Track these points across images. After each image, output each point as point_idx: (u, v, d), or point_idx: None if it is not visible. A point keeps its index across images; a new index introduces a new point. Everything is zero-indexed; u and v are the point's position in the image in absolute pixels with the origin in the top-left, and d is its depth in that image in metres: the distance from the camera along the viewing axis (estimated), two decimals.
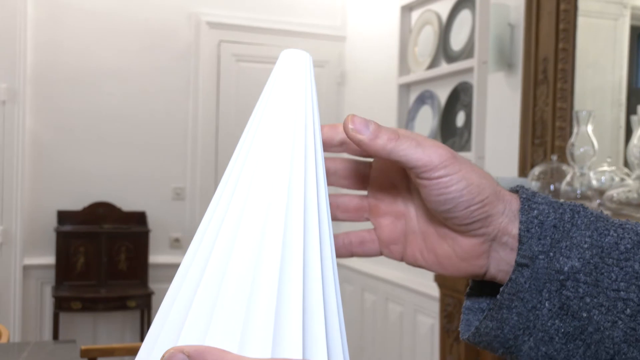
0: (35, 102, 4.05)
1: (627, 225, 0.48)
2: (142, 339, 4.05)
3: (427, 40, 3.59)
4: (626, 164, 2.26)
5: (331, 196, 0.51)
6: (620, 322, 0.45)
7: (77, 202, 4.12)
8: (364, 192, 0.55)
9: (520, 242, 0.48)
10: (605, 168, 2.13)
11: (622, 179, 2.09)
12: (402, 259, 0.54)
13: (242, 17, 4.39)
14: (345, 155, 0.52)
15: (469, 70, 3.18)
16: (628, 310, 0.45)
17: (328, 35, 4.56)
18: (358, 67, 4.44)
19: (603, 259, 0.46)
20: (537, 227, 0.48)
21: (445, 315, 2.64)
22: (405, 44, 3.76)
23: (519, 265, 0.48)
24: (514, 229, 0.49)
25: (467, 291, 0.54)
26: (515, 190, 0.51)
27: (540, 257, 0.47)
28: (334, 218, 0.51)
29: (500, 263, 0.50)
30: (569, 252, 0.47)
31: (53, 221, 4.07)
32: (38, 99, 4.06)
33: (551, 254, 0.47)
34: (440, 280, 2.68)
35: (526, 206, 0.48)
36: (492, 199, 0.48)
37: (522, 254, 0.48)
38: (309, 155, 0.42)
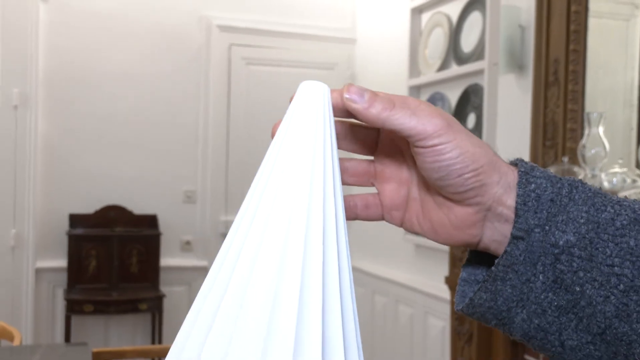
0: (47, 106, 4.07)
1: (625, 202, 0.48)
2: (153, 341, 4.06)
3: (437, 42, 3.59)
4: (638, 165, 2.25)
5: (341, 160, 0.51)
6: (612, 297, 0.46)
7: (88, 206, 4.14)
8: (371, 158, 0.55)
9: (516, 215, 0.48)
10: (617, 170, 2.12)
11: (634, 181, 2.08)
12: (401, 225, 0.54)
13: (252, 20, 4.40)
14: (354, 121, 0.53)
15: (480, 72, 3.17)
16: (621, 286, 0.45)
17: (338, 38, 4.56)
18: (368, 70, 4.44)
19: (598, 234, 0.46)
20: (534, 201, 0.48)
21: (457, 317, 2.64)
22: (415, 46, 3.76)
23: (514, 238, 0.48)
24: (509, 200, 0.49)
25: (464, 262, 0.54)
26: (515, 163, 0.51)
27: (536, 230, 0.48)
28: (342, 182, 0.50)
29: (494, 233, 0.50)
30: (564, 226, 0.47)
31: (65, 224, 4.09)
32: (50, 102, 4.08)
33: (547, 227, 0.48)
34: (451, 281, 2.68)
35: (524, 179, 0.48)
36: (487, 168, 0.48)
37: (518, 227, 0.48)
38: (327, 176, 0.45)
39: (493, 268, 0.49)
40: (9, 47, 3.85)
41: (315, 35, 4.52)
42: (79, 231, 4.03)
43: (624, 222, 0.47)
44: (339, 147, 0.50)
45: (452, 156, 0.47)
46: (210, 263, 4.34)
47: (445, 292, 3.17)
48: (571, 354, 0.49)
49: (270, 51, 4.47)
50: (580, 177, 2.16)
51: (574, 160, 2.31)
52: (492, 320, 0.51)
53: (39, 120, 4.01)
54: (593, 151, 2.16)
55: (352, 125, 0.53)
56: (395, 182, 0.54)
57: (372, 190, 0.56)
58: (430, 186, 0.51)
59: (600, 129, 2.17)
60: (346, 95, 0.48)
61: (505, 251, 0.48)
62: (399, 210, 0.54)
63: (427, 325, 3.53)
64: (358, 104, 0.47)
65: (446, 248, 3.21)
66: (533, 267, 0.48)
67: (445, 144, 0.47)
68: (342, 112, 0.49)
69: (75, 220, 4.09)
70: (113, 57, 4.19)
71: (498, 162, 0.49)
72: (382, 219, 0.54)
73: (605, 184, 2.07)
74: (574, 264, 0.47)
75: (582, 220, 0.47)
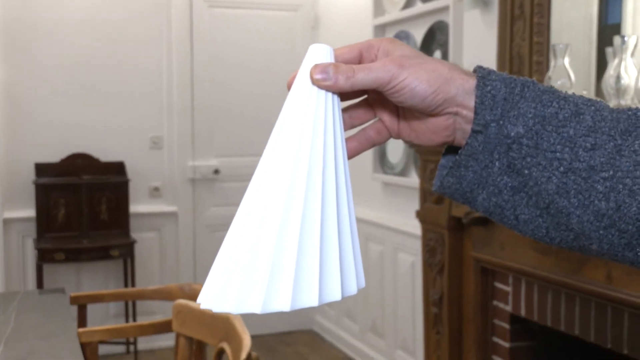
0: (6, 54, 3.97)
1: (570, 98, 0.57)
2: (126, 286, 4.07)
3: None
4: (597, 95, 2.29)
5: (347, 109, 0.65)
6: (554, 178, 0.55)
7: (54, 154, 4.09)
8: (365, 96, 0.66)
9: (475, 113, 0.57)
10: None
11: None
12: (398, 137, 0.65)
13: None
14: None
15: (445, 8, 3.17)
16: (561, 168, 0.55)
17: None
18: (332, 10, 4.40)
19: (544, 126, 0.55)
20: (489, 100, 0.57)
21: (428, 250, 2.70)
22: None
23: (474, 132, 0.57)
24: (471, 102, 0.57)
25: (443, 152, 0.64)
26: (475, 70, 0.59)
27: (492, 125, 0.57)
28: (352, 126, 0.65)
29: (464, 132, 0.59)
30: (515, 120, 0.56)
31: (31, 174, 4.04)
32: (9, 50, 3.98)
33: (501, 122, 0.57)
34: (422, 215, 2.73)
35: (481, 83, 0.57)
36: (443, 86, 0.57)
37: (477, 122, 0.57)
38: (328, 121, 0.57)
39: (456, 157, 0.59)
40: None
41: None
42: (45, 180, 3.98)
43: (566, 114, 0.55)
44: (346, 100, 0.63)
45: (410, 88, 0.56)
46: (179, 208, 4.35)
47: (414, 228, 3.23)
48: (524, 226, 0.59)
49: None
50: None
51: None
52: (459, 199, 0.62)
53: (0, 70, 3.92)
54: (559, 82, 2.20)
55: None
56: (388, 109, 0.65)
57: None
58: (408, 109, 0.62)
59: (566, 60, 2.20)
60: (315, 77, 0.57)
61: (467, 143, 0.58)
62: (395, 127, 0.65)
63: (397, 261, 3.60)
64: (327, 82, 0.57)
65: (414, 184, 3.26)
66: (490, 155, 0.58)
67: (402, 82, 0.56)
68: None
69: (41, 169, 4.03)
70: (73, 3, 4.09)
71: (454, 76, 0.58)
72: (390, 137, 0.66)
73: None
74: (523, 151, 0.56)
75: (530, 115, 0.56)
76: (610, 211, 0.53)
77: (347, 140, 0.62)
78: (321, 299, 0.54)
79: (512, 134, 0.56)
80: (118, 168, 4.18)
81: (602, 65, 2.31)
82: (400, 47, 0.59)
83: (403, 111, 0.63)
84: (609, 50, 2.17)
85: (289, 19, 4.53)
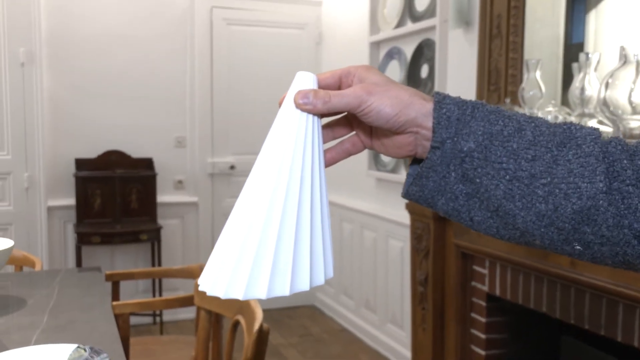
0: (51, 64, 3.96)
1: (514, 116, 0.58)
2: (153, 265, 4.07)
3: (394, 2, 3.56)
4: (563, 104, 2.29)
5: (328, 125, 0.67)
6: (501, 185, 0.56)
7: (92, 151, 4.08)
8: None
9: (433, 131, 0.58)
10: (551, 108, 2.16)
11: (565, 117, 2.12)
12: (371, 148, 0.66)
13: None
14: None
15: (432, 28, 3.16)
16: (507, 177, 0.56)
17: (307, 0, 4.50)
18: (334, 28, 4.39)
19: (491, 142, 0.57)
20: (445, 121, 0.58)
21: (415, 237, 2.69)
22: (375, 6, 3.72)
23: (432, 148, 0.59)
24: (429, 123, 0.59)
25: (410, 163, 0.66)
26: (432, 95, 0.61)
27: (448, 141, 0.58)
28: (334, 138, 0.67)
29: (424, 148, 0.61)
30: (467, 137, 0.57)
31: (72, 168, 4.04)
32: (53, 60, 3.97)
33: (455, 139, 0.58)
34: (411, 207, 2.72)
35: (437, 107, 0.58)
36: (404, 110, 0.58)
37: (435, 139, 0.58)
38: (308, 138, 0.59)
39: (419, 169, 0.61)
40: (13, 9, 3.72)
41: None
42: (84, 173, 3.98)
43: (510, 131, 0.57)
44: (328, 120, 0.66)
45: (376, 112, 0.58)
46: (200, 199, 4.35)
47: (403, 218, 3.22)
48: (478, 226, 0.60)
49: (248, 12, 4.39)
50: None
51: (514, 101, 2.34)
52: (423, 204, 0.63)
53: (44, 76, 3.91)
54: (531, 93, 2.19)
55: None
56: (363, 126, 0.66)
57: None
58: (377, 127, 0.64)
59: (538, 74, 2.19)
60: (299, 101, 0.59)
61: (427, 157, 0.60)
62: (369, 141, 0.66)
63: (388, 246, 3.60)
64: (307, 105, 0.59)
65: (403, 180, 3.25)
66: (447, 167, 0.59)
67: (369, 106, 0.58)
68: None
69: (81, 164, 4.03)
70: (109, 19, 4.08)
71: (412, 102, 0.59)
72: (364, 149, 0.68)
73: None
74: (474, 163, 0.57)
75: (479, 132, 0.57)
76: (549, 212, 0.54)
77: (326, 151, 0.65)
78: (292, 289, 0.57)
79: (465, 148, 0.57)
80: (147, 163, 4.17)
81: (567, 78, 2.30)
82: (373, 75, 0.60)
83: (374, 128, 0.65)
84: (574, 65, 2.16)
85: (296, 36, 4.52)
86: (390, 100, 0.58)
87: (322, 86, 0.61)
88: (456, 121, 0.58)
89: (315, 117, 0.60)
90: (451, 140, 0.58)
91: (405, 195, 0.64)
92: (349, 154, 0.67)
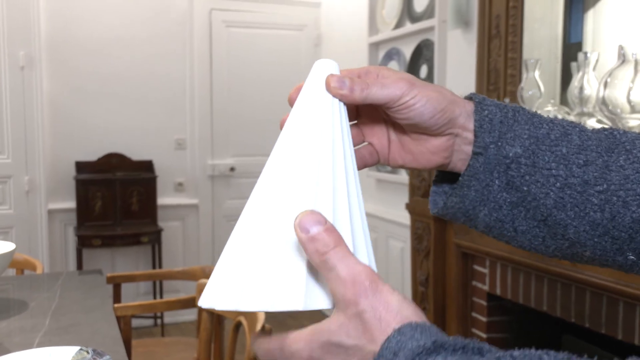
0: (50, 67, 3.97)
1: (556, 120, 0.55)
2: (154, 267, 4.08)
3: (393, 3, 3.56)
4: (562, 103, 2.29)
5: None
6: (551, 193, 0.52)
7: (92, 154, 4.09)
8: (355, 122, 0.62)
9: (475, 136, 0.54)
10: (550, 108, 2.16)
11: (564, 117, 2.12)
12: (387, 163, 0.60)
13: None
14: None
15: (431, 28, 3.17)
16: (557, 184, 0.52)
17: (306, 2, 4.50)
18: (332, 30, 4.39)
19: (538, 146, 0.53)
20: (487, 124, 0.54)
21: (416, 237, 2.69)
22: (374, 7, 3.73)
23: (475, 154, 0.54)
24: (470, 125, 0.54)
25: (434, 179, 0.61)
26: (469, 97, 0.56)
27: (491, 146, 0.54)
28: None
29: (461, 154, 0.56)
30: (512, 141, 0.53)
31: (72, 171, 4.04)
32: (53, 63, 3.97)
33: (499, 143, 0.54)
34: (411, 207, 2.73)
35: (479, 108, 0.54)
36: (449, 106, 0.53)
37: (477, 144, 0.54)
38: (336, 130, 0.50)
39: (460, 178, 0.55)
40: (13, 13, 3.72)
41: (286, 0, 4.45)
42: (84, 176, 3.98)
43: (557, 135, 0.53)
44: None
45: (421, 104, 0.52)
46: (200, 201, 4.35)
47: (403, 218, 3.23)
48: (522, 237, 0.55)
49: (247, 14, 4.39)
50: None
51: (513, 101, 2.35)
52: (461, 218, 0.58)
53: (44, 79, 3.91)
54: (530, 92, 2.19)
55: None
56: (378, 134, 0.59)
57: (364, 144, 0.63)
58: (406, 129, 0.57)
59: (536, 73, 2.20)
60: (332, 85, 0.51)
61: (469, 164, 0.55)
62: (384, 154, 0.60)
63: (388, 247, 3.60)
64: (343, 90, 0.51)
65: (403, 181, 3.25)
66: (490, 175, 0.54)
67: (413, 99, 0.52)
68: None
69: (81, 166, 4.03)
70: (108, 21, 4.08)
71: (456, 99, 0.54)
72: (379, 162, 0.61)
73: None
74: (522, 170, 0.53)
75: (525, 136, 0.53)
76: (605, 221, 0.51)
77: None
78: (306, 304, 0.45)
79: (511, 154, 0.53)
80: (147, 166, 4.18)
81: (566, 78, 2.31)
82: (399, 72, 0.55)
83: (397, 134, 0.58)
84: (573, 64, 2.17)
85: (295, 37, 4.52)
86: (435, 94, 0.53)
87: None
88: (499, 124, 0.54)
89: (344, 109, 0.52)
90: (495, 145, 0.53)
91: (442, 209, 0.58)
92: (365, 164, 0.60)
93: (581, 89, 2.02)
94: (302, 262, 0.46)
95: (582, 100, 2.02)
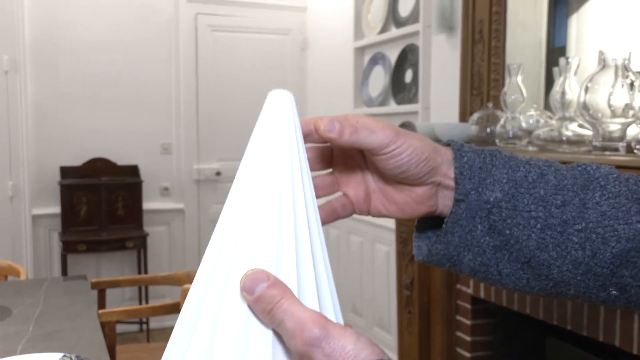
0: (35, 71, 3.95)
1: (532, 161, 0.55)
2: (139, 273, 4.06)
3: (378, 7, 3.58)
4: (545, 108, 2.32)
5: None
6: (533, 235, 0.52)
7: (77, 159, 4.07)
8: (330, 170, 0.60)
9: (456, 183, 0.54)
10: (532, 112, 2.18)
11: (546, 121, 2.14)
12: (368, 214, 0.59)
13: None
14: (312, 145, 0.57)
15: (415, 33, 3.19)
16: (538, 225, 0.52)
17: (291, 7, 4.51)
18: (318, 34, 4.41)
19: (517, 189, 0.53)
20: (467, 170, 0.54)
21: (401, 241, 2.71)
22: (359, 12, 3.75)
23: (457, 200, 0.54)
24: (451, 172, 0.54)
25: (415, 226, 0.60)
26: (448, 143, 0.56)
27: (472, 192, 0.54)
28: (316, 197, 0.54)
29: (445, 200, 0.56)
30: (492, 186, 0.53)
31: (57, 175, 4.02)
32: (37, 68, 3.96)
33: (480, 189, 0.54)
34: None
35: (457, 155, 0.54)
36: (432, 155, 0.53)
37: (459, 192, 0.54)
38: (296, 173, 0.47)
39: (444, 225, 0.55)
40: None
41: (272, 4, 4.46)
42: (69, 181, 3.96)
43: (534, 177, 0.53)
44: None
45: (407, 154, 0.52)
46: (186, 205, 4.34)
47: (389, 222, 3.24)
48: (507, 279, 0.55)
49: (233, 19, 4.40)
50: (502, 119, 2.22)
51: (496, 105, 2.37)
52: (446, 264, 0.57)
53: (28, 84, 3.89)
54: (513, 97, 2.21)
55: (313, 149, 0.57)
56: (354, 184, 0.58)
57: (338, 194, 0.60)
58: (387, 179, 0.56)
59: (519, 78, 2.22)
60: (322, 128, 0.51)
61: (451, 211, 0.54)
62: (364, 204, 0.58)
63: (374, 250, 3.61)
64: (332, 133, 0.51)
65: None
66: (473, 220, 0.54)
67: (400, 147, 0.51)
68: (308, 137, 0.53)
69: (66, 171, 4.02)
70: (93, 26, 4.07)
71: (438, 147, 0.54)
72: (354, 213, 0.59)
73: (523, 124, 2.13)
74: (503, 214, 0.53)
75: (504, 180, 0.53)
76: (587, 259, 0.51)
77: None
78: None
79: (492, 199, 0.53)
80: (133, 170, 4.17)
81: (549, 82, 2.33)
82: (380, 120, 0.53)
83: (379, 184, 0.57)
84: (555, 69, 2.19)
85: (280, 42, 4.53)
86: (419, 142, 0.52)
87: (304, 129, 0.53)
88: (478, 170, 0.54)
89: (303, 147, 0.49)
90: (475, 192, 0.54)
91: (427, 256, 0.57)
92: (337, 216, 0.58)
93: (563, 93, 2.04)
94: (266, 327, 0.43)
95: (564, 104, 2.04)
